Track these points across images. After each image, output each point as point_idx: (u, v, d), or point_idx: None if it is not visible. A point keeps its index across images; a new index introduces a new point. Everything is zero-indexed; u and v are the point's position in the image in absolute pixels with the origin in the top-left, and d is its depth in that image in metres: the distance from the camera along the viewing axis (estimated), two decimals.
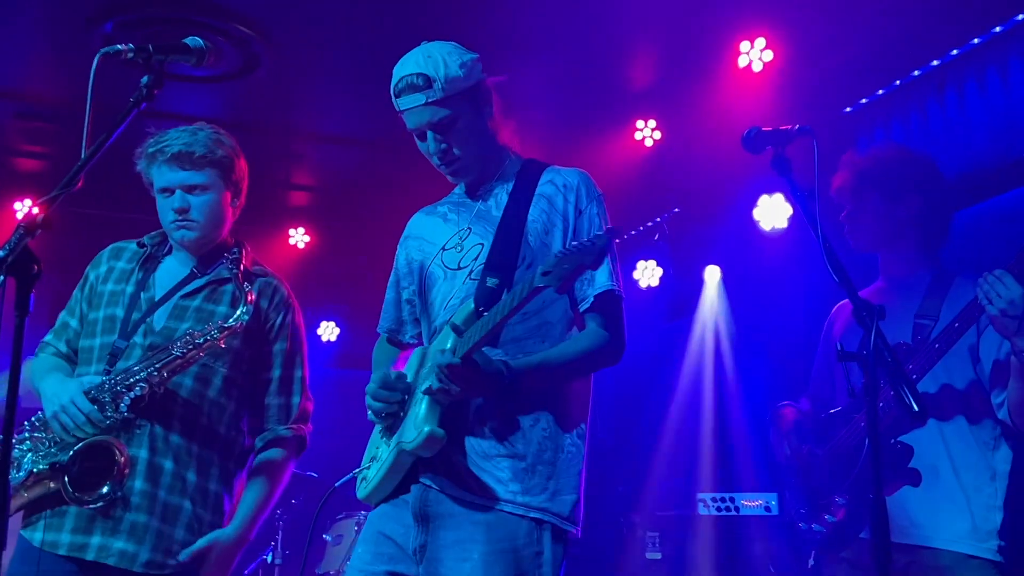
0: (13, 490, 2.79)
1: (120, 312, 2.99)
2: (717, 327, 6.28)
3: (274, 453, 3.05)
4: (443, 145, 2.51)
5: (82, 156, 1.99)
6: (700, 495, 5.00)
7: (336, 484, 2.52)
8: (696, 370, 6.32)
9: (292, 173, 6.80)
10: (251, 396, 3.05)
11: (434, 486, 2.38)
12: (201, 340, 2.88)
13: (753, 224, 5.50)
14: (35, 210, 1.84)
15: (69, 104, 5.47)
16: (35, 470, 2.80)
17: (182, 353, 2.86)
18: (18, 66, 5.37)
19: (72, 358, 3.07)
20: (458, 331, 2.32)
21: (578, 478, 2.44)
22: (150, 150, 3.00)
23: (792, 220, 5.34)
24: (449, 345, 2.31)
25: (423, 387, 2.34)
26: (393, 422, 2.45)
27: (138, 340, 2.94)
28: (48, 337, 3.13)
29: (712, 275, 6.35)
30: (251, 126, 6.02)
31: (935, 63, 4.67)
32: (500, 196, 2.60)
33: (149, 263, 3.09)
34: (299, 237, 7.32)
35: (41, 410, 2.92)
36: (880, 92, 4.97)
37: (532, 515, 2.35)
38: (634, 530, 5.41)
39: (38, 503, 2.82)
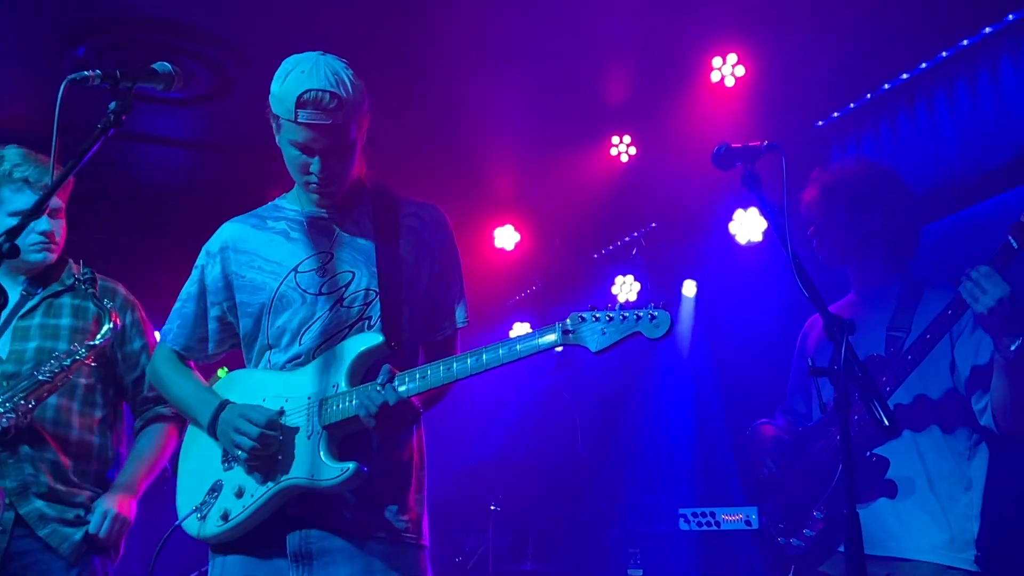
0: None
1: None
2: (695, 341, 6.29)
3: (157, 426, 3.22)
4: (329, 168, 2.43)
5: (49, 183, 1.98)
6: (680, 510, 4.98)
7: (177, 523, 2.44)
8: (674, 384, 6.32)
9: (268, 193, 6.76)
10: (123, 396, 3.21)
11: (317, 522, 2.34)
12: (69, 361, 2.95)
13: (729, 238, 5.53)
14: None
15: (43, 129, 5.43)
16: None
17: (49, 378, 2.92)
18: None
19: None
20: (359, 364, 2.34)
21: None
22: (16, 174, 3.00)
23: (767, 233, 5.38)
24: (382, 379, 2.28)
25: (327, 420, 2.32)
26: (261, 461, 2.38)
27: None
28: None
29: (689, 289, 6.37)
30: (228, 147, 6.01)
31: (905, 76, 4.73)
32: (362, 223, 2.54)
33: None
34: None
35: None
36: (852, 105, 5.01)
37: (423, 541, 2.42)
38: (615, 546, 5.40)
39: None
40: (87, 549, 2.96)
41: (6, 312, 3.03)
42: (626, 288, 6.51)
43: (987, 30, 4.32)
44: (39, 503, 2.92)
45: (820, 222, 3.23)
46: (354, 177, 2.54)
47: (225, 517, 2.38)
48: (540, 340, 2.19)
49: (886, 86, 4.82)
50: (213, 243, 2.63)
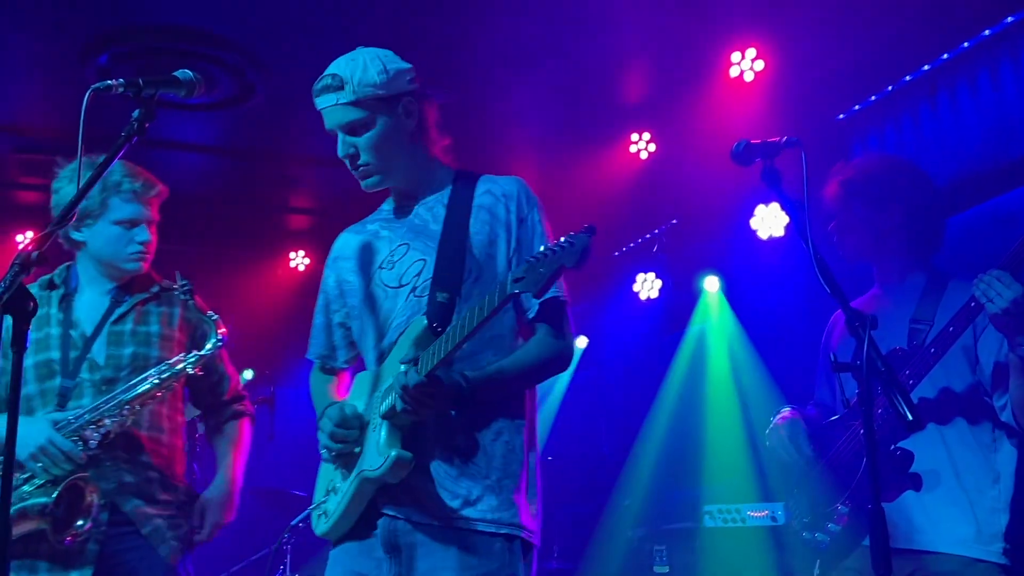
0: None
1: (55, 354, 3.07)
2: (718, 337, 6.27)
3: (236, 424, 3.39)
4: (351, 149, 2.50)
5: (75, 190, 2.01)
6: (706, 507, 4.97)
7: (292, 522, 2.49)
8: (698, 381, 6.31)
9: (290, 197, 6.83)
10: (198, 400, 3.34)
11: (400, 515, 2.34)
12: (179, 368, 3.04)
13: (751, 233, 5.51)
14: (29, 247, 1.86)
15: (67, 136, 5.49)
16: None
17: (158, 383, 3.00)
18: (15, 100, 5.41)
19: None
20: (415, 351, 2.30)
21: (537, 487, 2.44)
22: (125, 185, 3.11)
23: (789, 228, 5.35)
24: (406, 366, 2.27)
25: (381, 411, 2.32)
26: (348, 456, 2.41)
27: (86, 376, 3.04)
28: None
29: (712, 285, 6.36)
30: (249, 152, 6.06)
31: (926, 68, 4.70)
32: (436, 209, 2.55)
33: (65, 302, 3.17)
34: (299, 260, 7.36)
35: None
36: (873, 98, 4.99)
37: (503, 531, 2.32)
38: (640, 544, 5.39)
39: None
40: (180, 549, 3.06)
41: (99, 316, 3.13)
42: (647, 285, 6.51)
43: (1009, 20, 4.28)
44: (139, 500, 3.00)
45: (840, 218, 3.22)
46: (425, 165, 2.57)
47: (326, 515, 2.46)
48: (498, 296, 2.15)
49: (907, 78, 4.79)
50: (330, 255, 2.73)
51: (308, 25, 4.66)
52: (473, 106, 5.35)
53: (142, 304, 3.19)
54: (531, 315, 2.45)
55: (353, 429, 2.39)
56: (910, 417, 2.06)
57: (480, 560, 2.30)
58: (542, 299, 2.37)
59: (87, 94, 2.06)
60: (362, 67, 2.45)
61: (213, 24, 4.69)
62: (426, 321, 2.34)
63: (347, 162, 2.54)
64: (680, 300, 6.51)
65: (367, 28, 4.65)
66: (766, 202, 5.44)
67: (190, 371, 3.06)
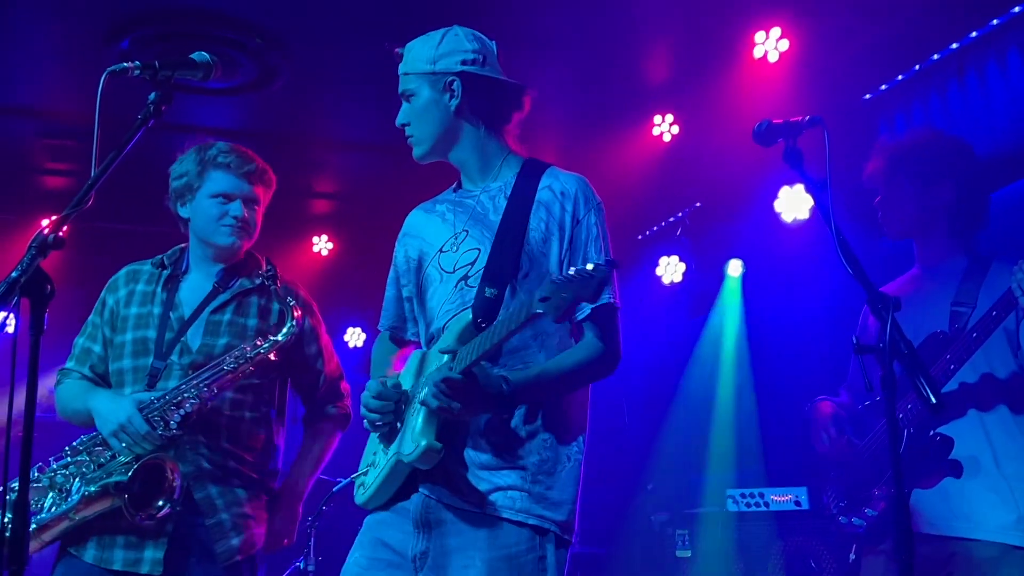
0: (62, 515, 2.92)
1: (152, 333, 3.10)
2: (742, 321, 6.23)
3: (324, 427, 3.33)
4: (404, 118, 2.61)
5: (92, 175, 2.02)
6: (729, 491, 4.95)
7: (334, 489, 2.51)
8: (722, 365, 6.27)
9: (313, 181, 6.84)
10: (297, 392, 3.32)
11: (434, 496, 2.37)
12: (253, 354, 3.02)
13: (775, 216, 5.45)
14: (46, 231, 1.87)
15: (91, 121, 5.53)
16: (86, 493, 2.91)
17: (233, 368, 2.99)
18: (39, 85, 5.44)
19: (98, 383, 3.15)
20: (458, 343, 2.31)
21: (577, 489, 2.43)
22: (220, 158, 3.14)
23: (814, 211, 5.29)
24: (447, 358, 2.29)
25: (421, 397, 2.32)
26: (389, 430, 2.44)
27: (175, 359, 3.06)
28: (69, 364, 3.21)
29: (735, 268, 6.31)
30: (272, 136, 6.06)
31: (954, 46, 4.61)
32: (498, 199, 2.55)
33: (171, 283, 3.18)
34: (322, 244, 7.38)
35: (92, 433, 3.03)
36: (900, 77, 4.90)
37: (531, 522, 2.33)
38: (663, 528, 5.37)
39: (88, 522, 2.94)
40: (242, 550, 3.02)
41: (198, 302, 3.15)
42: (671, 269, 6.48)
43: None
44: (213, 489, 3.00)
45: (885, 194, 3.16)
46: (488, 150, 2.59)
47: (364, 486, 2.50)
48: (524, 314, 2.14)
49: (935, 56, 4.70)
50: (401, 229, 2.75)
51: (330, 8, 4.65)
52: None
53: (245, 294, 3.19)
54: (580, 317, 2.44)
55: (389, 401, 2.42)
56: (933, 400, 2.03)
57: (508, 543, 2.32)
58: (593, 305, 2.36)
59: (103, 77, 2.08)
60: (422, 43, 2.58)
61: (235, 7, 4.69)
62: (471, 316, 2.35)
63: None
64: (704, 284, 6.46)
65: (388, 11, 4.63)
66: (791, 184, 5.38)
67: (263, 355, 3.04)
